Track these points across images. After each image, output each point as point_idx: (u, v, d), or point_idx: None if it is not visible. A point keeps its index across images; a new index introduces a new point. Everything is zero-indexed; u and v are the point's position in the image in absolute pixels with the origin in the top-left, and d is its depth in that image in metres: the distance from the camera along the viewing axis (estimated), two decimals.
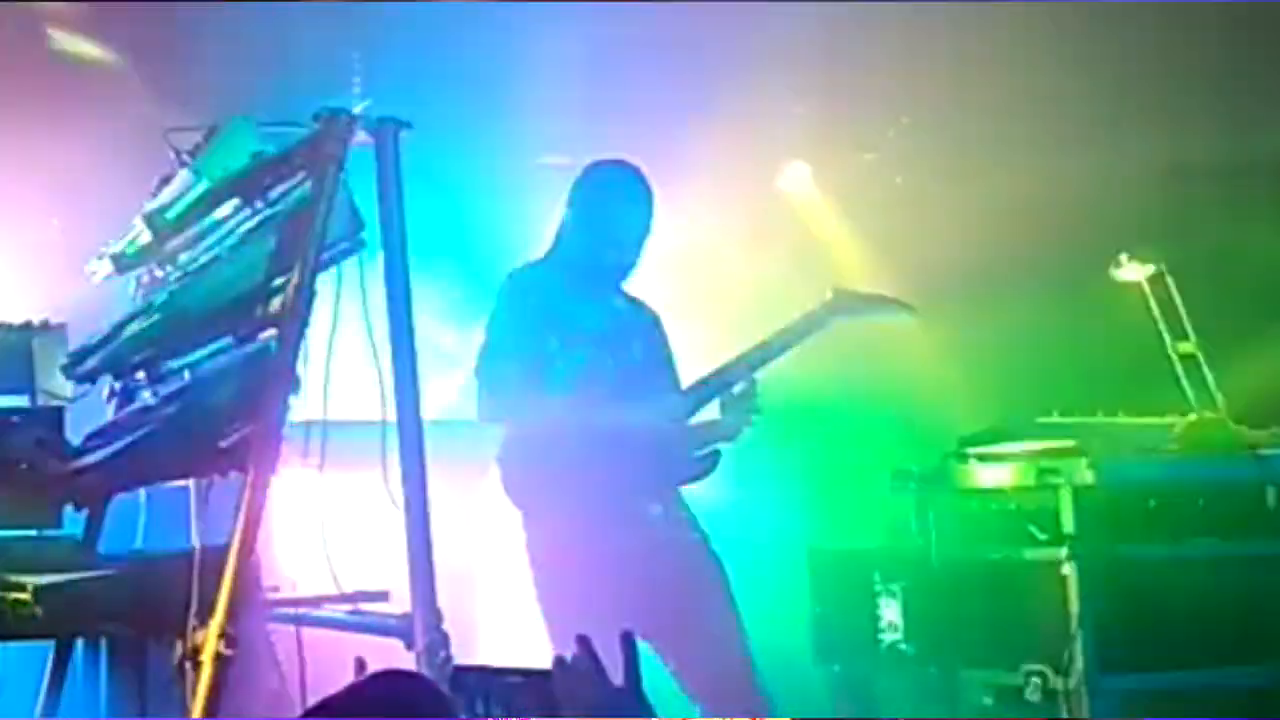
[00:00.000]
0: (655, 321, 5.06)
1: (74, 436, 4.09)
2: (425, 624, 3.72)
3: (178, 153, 3.98)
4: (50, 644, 4.23)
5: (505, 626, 5.93)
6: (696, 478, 4.93)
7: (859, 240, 6.88)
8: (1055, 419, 4.70)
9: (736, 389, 4.87)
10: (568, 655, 2.66)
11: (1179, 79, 6.09)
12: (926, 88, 6.70)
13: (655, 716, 2.68)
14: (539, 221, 5.22)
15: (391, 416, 3.88)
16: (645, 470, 4.79)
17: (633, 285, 5.01)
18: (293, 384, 3.67)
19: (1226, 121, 6.15)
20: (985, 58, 6.16)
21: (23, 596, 3.61)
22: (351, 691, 2.33)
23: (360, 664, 2.58)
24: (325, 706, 2.33)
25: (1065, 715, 4.26)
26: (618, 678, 2.62)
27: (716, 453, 4.93)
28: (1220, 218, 6.07)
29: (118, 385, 4.14)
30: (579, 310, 4.87)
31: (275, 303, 3.72)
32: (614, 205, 4.83)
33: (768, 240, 7.11)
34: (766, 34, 6.17)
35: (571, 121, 6.15)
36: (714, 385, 4.90)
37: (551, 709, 2.67)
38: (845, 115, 7.06)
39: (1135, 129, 6.27)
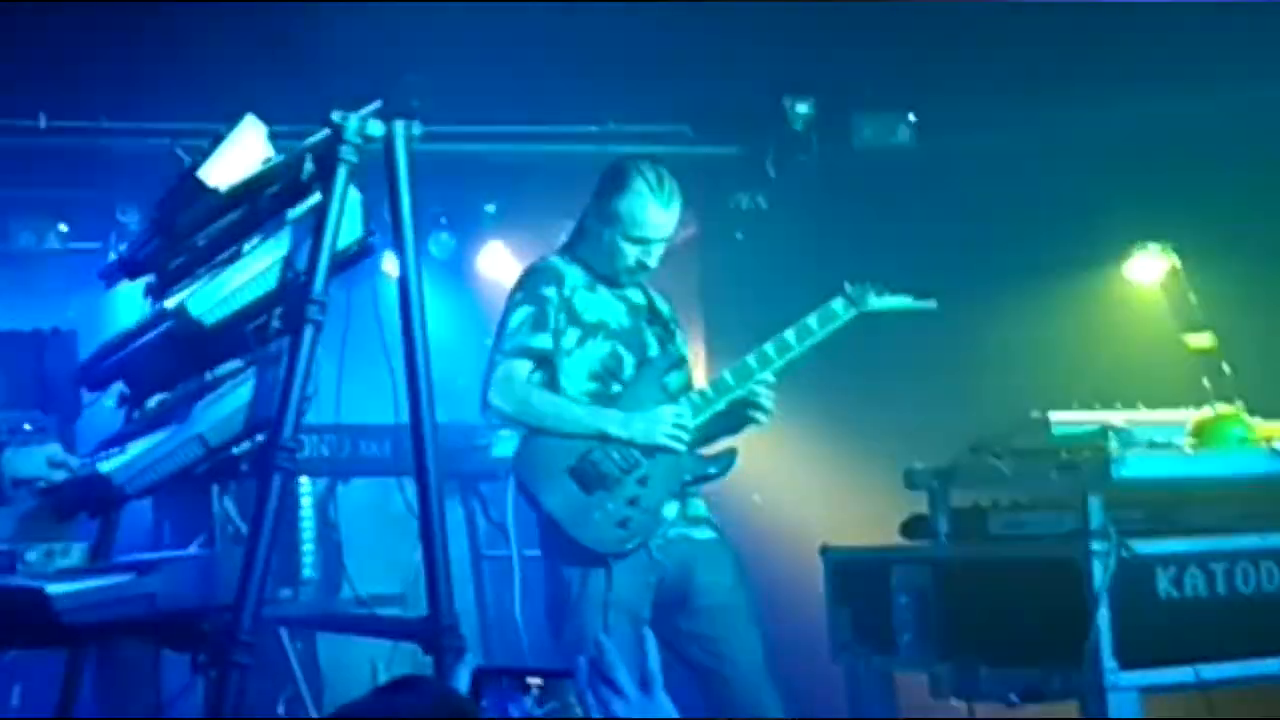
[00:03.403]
0: (672, 318, 5.06)
1: (86, 443, 4.09)
2: (443, 627, 3.69)
3: (187, 159, 3.96)
4: (63, 652, 4.23)
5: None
6: (710, 478, 4.91)
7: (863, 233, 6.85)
8: (1072, 414, 4.67)
9: (750, 389, 4.86)
10: (584, 659, 2.64)
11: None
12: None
13: (676, 715, 2.66)
14: None
15: (404, 419, 3.86)
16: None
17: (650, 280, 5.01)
18: (307, 389, 3.65)
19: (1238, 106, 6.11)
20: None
21: (39, 604, 3.59)
22: (378, 701, 2.29)
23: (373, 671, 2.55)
24: (352, 715, 2.29)
25: (1086, 710, 4.25)
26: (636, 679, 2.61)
27: (732, 454, 4.92)
28: (1234, 205, 6.03)
29: (129, 392, 4.13)
30: (600, 305, 4.88)
31: (288, 308, 3.71)
32: (638, 201, 4.81)
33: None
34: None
35: None
36: (728, 385, 4.87)
37: (574, 711, 2.66)
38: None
39: (1147, 114, 6.25)
